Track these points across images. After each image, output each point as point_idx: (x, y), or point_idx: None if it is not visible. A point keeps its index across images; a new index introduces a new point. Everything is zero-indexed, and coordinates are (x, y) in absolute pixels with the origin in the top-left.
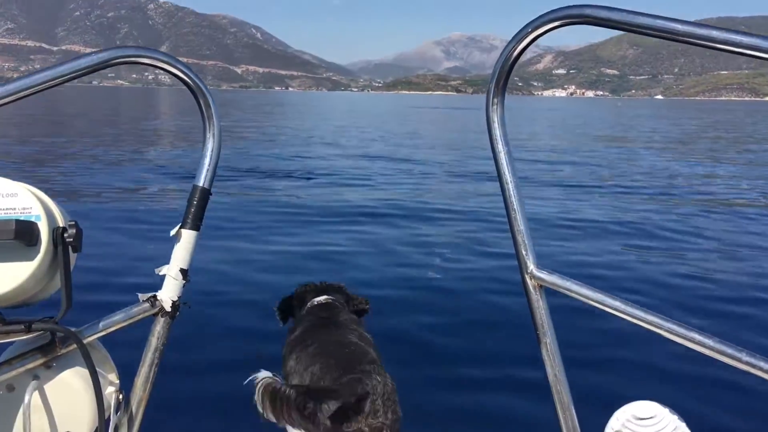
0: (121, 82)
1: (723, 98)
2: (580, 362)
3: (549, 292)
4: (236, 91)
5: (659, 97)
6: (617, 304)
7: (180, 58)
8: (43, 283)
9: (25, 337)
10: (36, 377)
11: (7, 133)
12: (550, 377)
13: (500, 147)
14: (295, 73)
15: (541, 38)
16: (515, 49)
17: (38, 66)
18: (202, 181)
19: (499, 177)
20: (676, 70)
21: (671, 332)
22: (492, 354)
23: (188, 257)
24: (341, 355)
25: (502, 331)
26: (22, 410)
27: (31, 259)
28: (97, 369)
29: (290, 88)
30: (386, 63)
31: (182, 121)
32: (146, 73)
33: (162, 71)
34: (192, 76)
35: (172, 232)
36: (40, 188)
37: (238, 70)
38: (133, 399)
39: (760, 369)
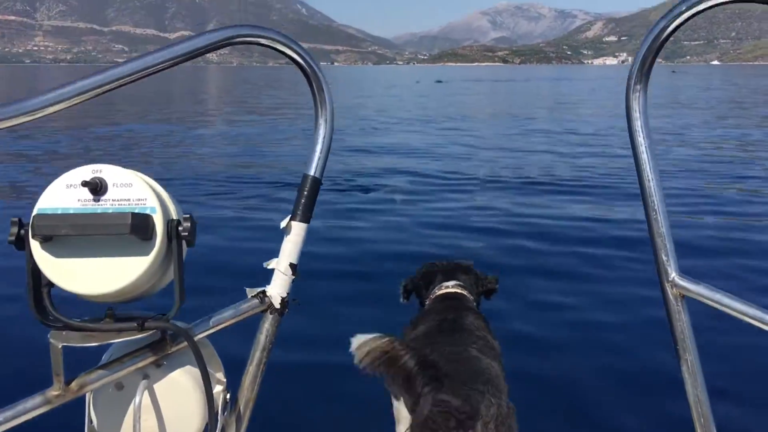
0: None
1: None
2: (725, 388)
3: (691, 302)
4: (282, 67)
5: (715, 63)
6: None
7: None
8: (155, 279)
9: (135, 337)
10: (146, 376)
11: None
12: (691, 399)
13: (641, 139)
14: (340, 48)
15: (590, 4)
16: (667, 28)
17: (90, 47)
18: (313, 170)
19: (639, 173)
20: (733, 34)
21: None
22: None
23: (298, 251)
24: (457, 369)
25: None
26: (132, 410)
27: (146, 254)
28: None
29: (336, 63)
30: (431, 35)
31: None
32: None
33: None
34: (307, 58)
35: (282, 225)
36: (151, 177)
37: None
38: (240, 399)
39: None
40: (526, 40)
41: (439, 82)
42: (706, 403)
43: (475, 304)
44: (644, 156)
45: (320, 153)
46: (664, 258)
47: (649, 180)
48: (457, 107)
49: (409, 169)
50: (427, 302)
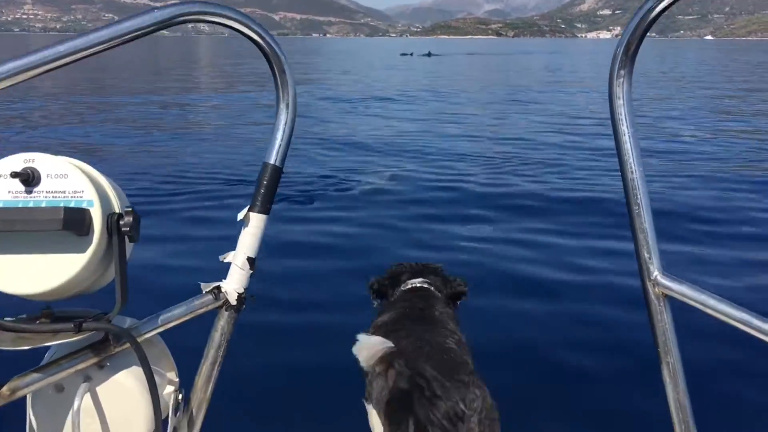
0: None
1: None
2: (705, 392)
3: (674, 302)
4: (279, 37)
5: (709, 37)
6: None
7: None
8: (95, 277)
9: (75, 338)
10: (88, 378)
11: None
12: (672, 402)
13: (624, 128)
14: (333, 19)
15: None
16: (654, 9)
17: (80, 16)
18: (273, 158)
19: (621, 164)
20: (727, 9)
21: None
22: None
23: (257, 244)
24: (439, 361)
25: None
26: (72, 414)
27: (83, 250)
28: (156, 367)
29: (328, 35)
30: (425, 7)
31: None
32: None
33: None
34: (266, 37)
35: (240, 216)
36: (95, 166)
37: (276, 18)
38: (193, 399)
39: None
40: (520, 13)
41: (429, 55)
42: (688, 409)
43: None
44: (627, 146)
45: (281, 140)
46: (647, 255)
47: (632, 171)
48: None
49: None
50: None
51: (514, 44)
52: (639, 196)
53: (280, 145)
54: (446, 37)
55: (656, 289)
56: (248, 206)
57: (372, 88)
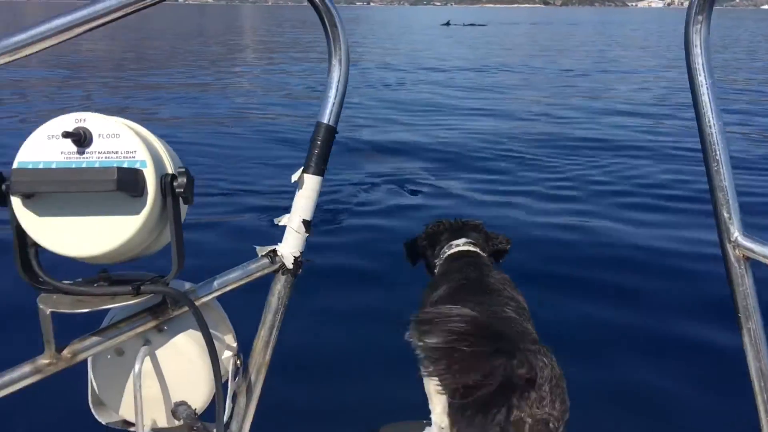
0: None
1: None
2: None
3: (757, 265)
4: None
5: (765, 6)
6: None
7: None
8: (150, 239)
9: (133, 302)
10: (147, 342)
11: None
12: (753, 371)
13: (701, 78)
14: None
15: None
16: None
17: None
18: (326, 117)
19: (698, 118)
20: None
21: None
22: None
23: (311, 206)
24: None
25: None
26: (133, 377)
27: (137, 212)
28: (214, 331)
29: (372, 4)
30: None
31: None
32: None
33: None
34: None
35: (294, 178)
36: (146, 127)
37: None
38: (251, 365)
39: None
40: None
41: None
42: None
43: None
44: (705, 98)
45: (334, 98)
46: (726, 215)
47: (710, 126)
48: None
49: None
50: (436, 263)
51: (562, 14)
52: (718, 152)
53: (333, 104)
54: (492, 5)
55: (737, 251)
56: (302, 168)
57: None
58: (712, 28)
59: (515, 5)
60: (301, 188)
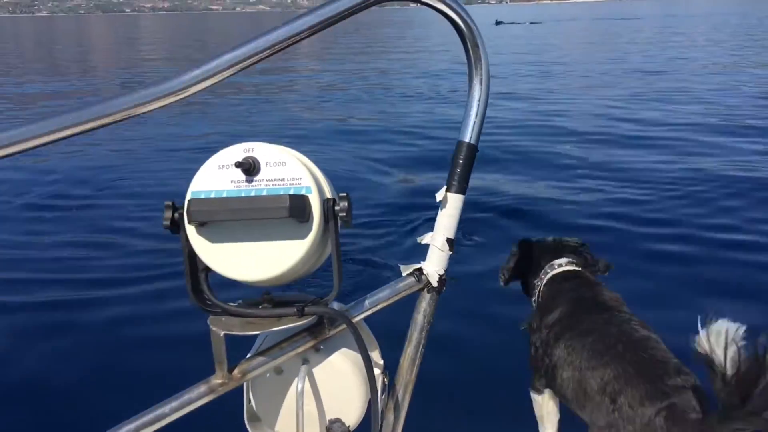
0: (262, 7)
1: None
2: None
3: None
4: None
5: None
6: None
7: None
8: (312, 261)
9: (296, 324)
10: (305, 361)
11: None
12: None
13: None
14: None
15: None
16: None
17: None
18: (468, 136)
19: None
20: None
21: None
22: None
23: (454, 225)
24: (639, 361)
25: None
26: (292, 395)
27: (304, 237)
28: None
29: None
30: None
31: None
32: None
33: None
34: (462, 13)
35: (438, 197)
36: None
37: None
38: (398, 382)
39: None
40: None
41: (499, 23)
42: None
43: None
44: None
45: (475, 117)
46: None
47: None
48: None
49: None
50: (536, 284)
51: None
52: None
53: (474, 123)
54: (548, 2)
55: None
56: (445, 186)
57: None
58: None
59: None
60: (444, 207)
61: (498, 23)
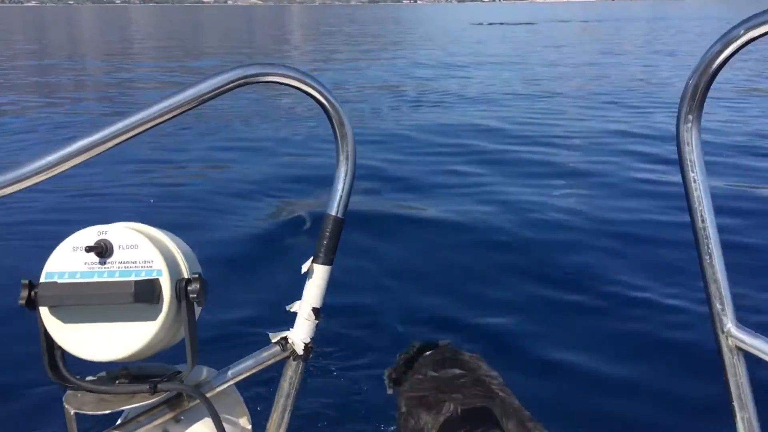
0: (255, 1)
1: None
2: None
3: (751, 356)
4: (365, 6)
5: None
6: None
7: None
8: (167, 339)
9: (150, 401)
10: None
11: None
12: None
13: (693, 175)
14: None
15: None
16: (723, 52)
17: None
18: (335, 209)
19: (691, 213)
20: None
21: None
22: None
23: (321, 295)
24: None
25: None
26: None
27: (153, 318)
28: (230, 416)
29: (419, 2)
30: None
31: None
32: None
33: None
34: (324, 92)
35: (304, 268)
36: (174, 225)
37: None
38: None
39: None
40: None
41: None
42: None
43: None
44: (698, 193)
45: (342, 192)
46: (719, 306)
47: (702, 220)
48: None
49: None
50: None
51: (615, 7)
52: (710, 246)
53: (341, 197)
54: (542, 1)
55: (729, 342)
56: (311, 258)
57: None
58: None
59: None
60: (311, 278)
61: (479, 23)
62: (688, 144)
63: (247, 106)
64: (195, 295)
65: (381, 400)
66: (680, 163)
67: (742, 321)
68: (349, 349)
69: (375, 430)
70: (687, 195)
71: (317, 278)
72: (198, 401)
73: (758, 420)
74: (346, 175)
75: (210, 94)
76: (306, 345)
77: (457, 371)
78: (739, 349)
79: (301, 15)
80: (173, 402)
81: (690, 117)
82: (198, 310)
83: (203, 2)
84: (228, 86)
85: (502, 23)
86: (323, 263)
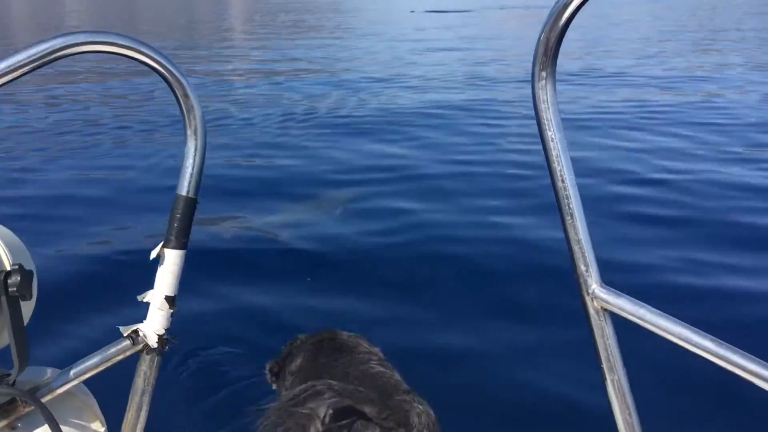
0: None
1: None
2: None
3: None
4: None
5: None
6: (706, 343)
7: None
8: None
9: None
10: None
11: None
12: (620, 423)
13: (551, 133)
14: None
15: None
16: (567, 8)
17: None
18: (185, 189)
19: (551, 173)
20: None
21: None
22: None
23: (174, 282)
24: (372, 385)
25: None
26: None
27: None
28: (78, 421)
29: None
30: None
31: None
32: None
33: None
34: (163, 61)
35: (153, 254)
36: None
37: None
38: None
39: None
40: None
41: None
42: (638, 428)
43: None
44: (556, 152)
45: (192, 169)
46: (583, 268)
47: (562, 180)
48: None
49: None
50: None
51: None
52: (571, 206)
53: (191, 174)
54: None
55: (595, 303)
56: (162, 242)
57: None
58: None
59: None
60: (162, 264)
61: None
62: (543, 102)
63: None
64: (14, 289)
65: (259, 396)
66: (537, 123)
67: (608, 282)
68: (223, 340)
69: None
70: (546, 155)
71: (169, 264)
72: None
73: (628, 382)
74: (195, 151)
75: (32, 65)
76: (160, 337)
77: (333, 355)
78: (605, 310)
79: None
80: (7, 408)
81: (543, 74)
82: (29, 305)
83: None
84: (51, 56)
85: (439, 11)
86: (175, 247)
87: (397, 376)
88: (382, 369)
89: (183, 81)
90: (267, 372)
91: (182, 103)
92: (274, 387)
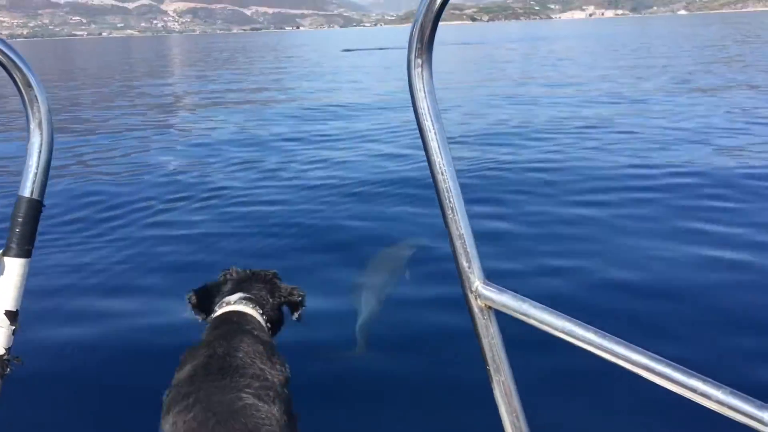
0: (130, 32)
1: (749, 9)
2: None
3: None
4: (248, 34)
5: (682, 12)
6: (590, 336)
7: (188, 3)
8: None
9: None
10: None
11: None
12: (507, 424)
13: (428, 123)
14: (305, 12)
15: None
16: None
17: (47, 21)
18: (29, 190)
19: (430, 165)
20: None
21: (663, 376)
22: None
23: (16, 295)
24: (228, 421)
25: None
26: None
27: None
28: None
29: (301, 28)
30: None
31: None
32: (155, 22)
33: None
34: (5, 49)
35: None
36: None
37: (248, 12)
38: None
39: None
40: None
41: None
42: (525, 428)
43: (264, 319)
44: (434, 143)
45: (36, 168)
46: (466, 264)
47: (442, 173)
48: None
49: None
50: (208, 322)
51: (489, 29)
52: (452, 200)
53: (36, 174)
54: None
55: (479, 301)
56: (1, 249)
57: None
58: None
59: (443, 22)
60: (2, 274)
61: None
62: (420, 90)
63: None
64: None
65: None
66: (415, 112)
67: (491, 279)
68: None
69: None
70: (425, 146)
71: (11, 275)
72: None
73: (514, 383)
74: (41, 147)
75: None
76: (0, 358)
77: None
78: (489, 308)
79: (179, 43)
80: None
81: (419, 61)
82: None
83: (75, 35)
84: None
85: (367, 49)
86: (17, 255)
87: (268, 410)
88: (254, 402)
89: (25, 69)
90: (187, 302)
91: (24, 93)
92: (199, 319)
